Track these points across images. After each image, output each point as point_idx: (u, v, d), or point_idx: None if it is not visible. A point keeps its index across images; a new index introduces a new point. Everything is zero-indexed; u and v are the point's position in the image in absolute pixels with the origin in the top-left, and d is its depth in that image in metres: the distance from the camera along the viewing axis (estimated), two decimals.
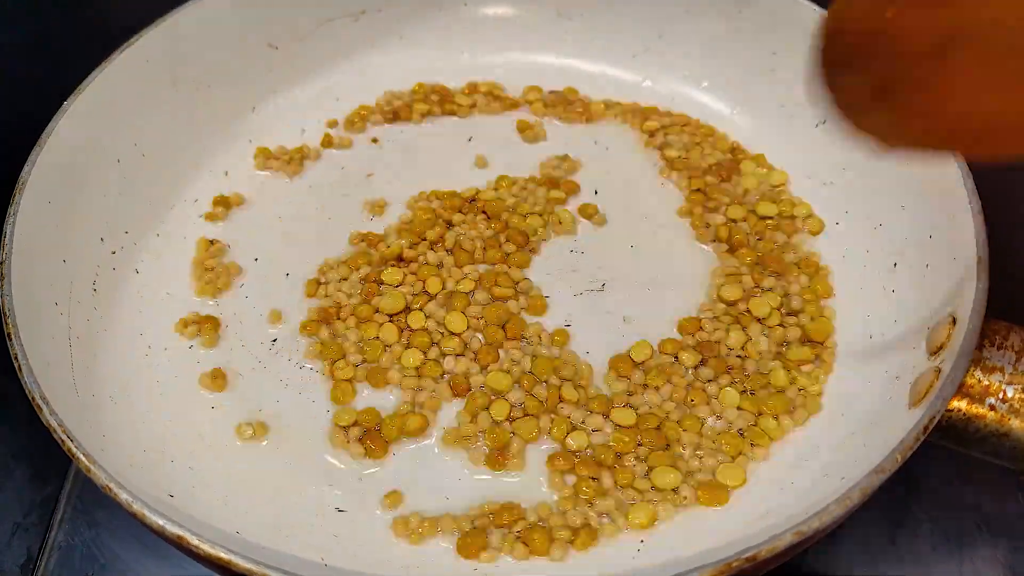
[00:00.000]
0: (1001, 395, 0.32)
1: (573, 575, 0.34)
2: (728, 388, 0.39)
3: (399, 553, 0.35)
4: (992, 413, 0.33)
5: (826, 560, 0.40)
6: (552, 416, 0.38)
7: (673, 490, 0.36)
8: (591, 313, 0.43)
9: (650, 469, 0.37)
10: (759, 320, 0.42)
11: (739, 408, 0.39)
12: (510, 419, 0.39)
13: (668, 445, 0.38)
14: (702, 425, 0.38)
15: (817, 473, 0.36)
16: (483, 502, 0.36)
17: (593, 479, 0.37)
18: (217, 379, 0.40)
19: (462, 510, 0.36)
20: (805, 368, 0.40)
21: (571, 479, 0.37)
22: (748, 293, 0.43)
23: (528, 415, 0.39)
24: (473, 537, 0.35)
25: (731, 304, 0.42)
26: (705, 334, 0.41)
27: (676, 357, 0.41)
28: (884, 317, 0.40)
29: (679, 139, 0.50)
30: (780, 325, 0.42)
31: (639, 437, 0.38)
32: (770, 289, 0.43)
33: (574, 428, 0.38)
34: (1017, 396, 0.32)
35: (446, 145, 0.51)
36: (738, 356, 0.40)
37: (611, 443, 0.38)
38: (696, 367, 0.40)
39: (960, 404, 0.33)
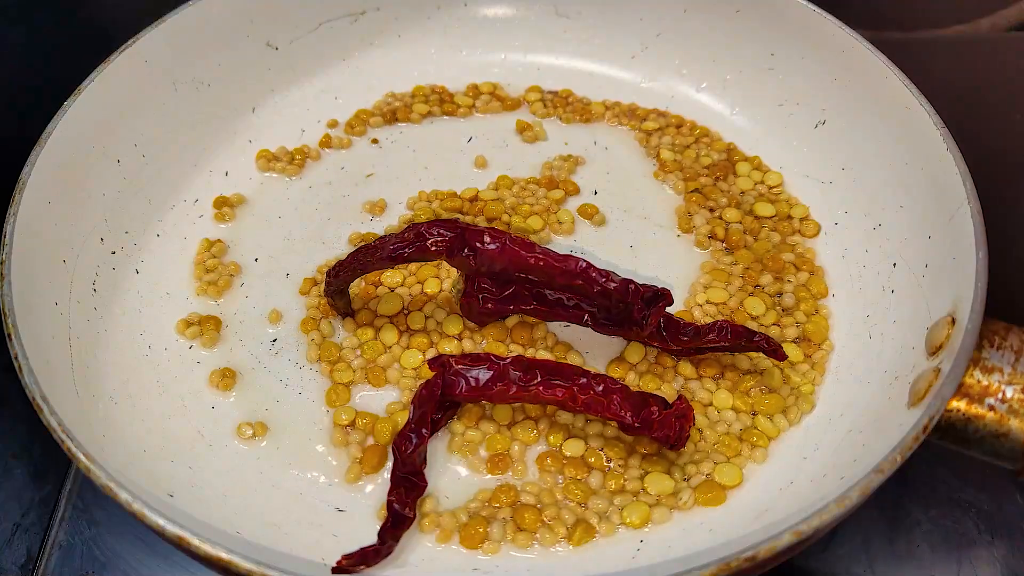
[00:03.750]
0: (1000, 395, 0.33)
1: (572, 574, 0.34)
2: (723, 389, 0.39)
3: (398, 552, 0.35)
4: (991, 413, 0.33)
5: (826, 560, 0.41)
6: (552, 420, 0.38)
7: (671, 494, 0.36)
8: None
9: (645, 474, 0.37)
10: (754, 318, 0.42)
11: (733, 409, 0.39)
12: (510, 424, 0.38)
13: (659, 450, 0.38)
14: (700, 431, 0.38)
15: (817, 473, 0.36)
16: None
17: (580, 480, 0.37)
18: (226, 378, 0.40)
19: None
20: (800, 368, 0.40)
21: (560, 479, 0.37)
22: (744, 292, 0.43)
23: (528, 418, 0.39)
24: (473, 527, 0.35)
25: (718, 304, 0.42)
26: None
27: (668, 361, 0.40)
28: (883, 317, 0.40)
29: (676, 140, 0.50)
30: (776, 324, 0.42)
31: (632, 446, 0.38)
32: (764, 288, 0.43)
33: (571, 435, 0.38)
34: (1016, 396, 0.32)
35: (446, 145, 0.51)
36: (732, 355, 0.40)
37: (606, 453, 0.37)
38: (692, 364, 0.40)
39: (959, 404, 0.33)
